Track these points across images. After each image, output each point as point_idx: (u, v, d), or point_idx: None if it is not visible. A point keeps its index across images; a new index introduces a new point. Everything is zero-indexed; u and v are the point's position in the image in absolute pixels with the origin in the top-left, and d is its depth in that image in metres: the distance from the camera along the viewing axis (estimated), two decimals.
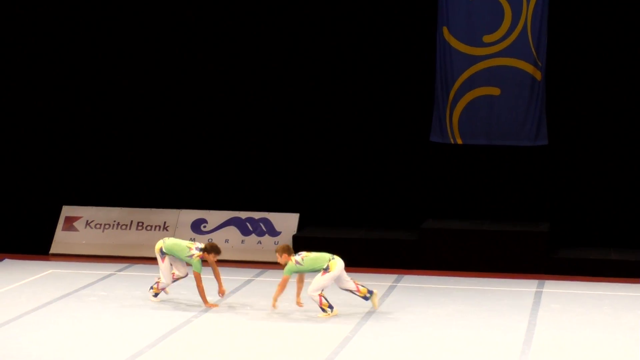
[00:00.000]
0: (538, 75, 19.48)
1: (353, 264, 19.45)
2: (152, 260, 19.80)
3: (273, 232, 20.63)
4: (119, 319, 15.30)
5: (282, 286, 15.59)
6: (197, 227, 20.82)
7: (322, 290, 15.65)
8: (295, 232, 20.41)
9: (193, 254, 15.87)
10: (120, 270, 18.98)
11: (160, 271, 16.34)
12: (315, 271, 15.66)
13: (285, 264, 15.67)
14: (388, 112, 20.62)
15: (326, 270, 15.58)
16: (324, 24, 20.64)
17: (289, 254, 15.70)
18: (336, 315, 15.48)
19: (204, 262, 15.97)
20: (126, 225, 20.93)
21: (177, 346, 13.89)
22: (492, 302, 16.88)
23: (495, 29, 19.49)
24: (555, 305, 16.71)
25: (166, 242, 16.19)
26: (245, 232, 20.65)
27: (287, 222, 20.66)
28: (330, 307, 15.60)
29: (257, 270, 19.21)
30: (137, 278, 18.34)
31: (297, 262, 15.61)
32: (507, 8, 19.45)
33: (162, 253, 16.17)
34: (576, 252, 19.68)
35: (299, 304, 15.83)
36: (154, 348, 13.83)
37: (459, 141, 19.83)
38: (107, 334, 14.53)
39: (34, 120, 21.38)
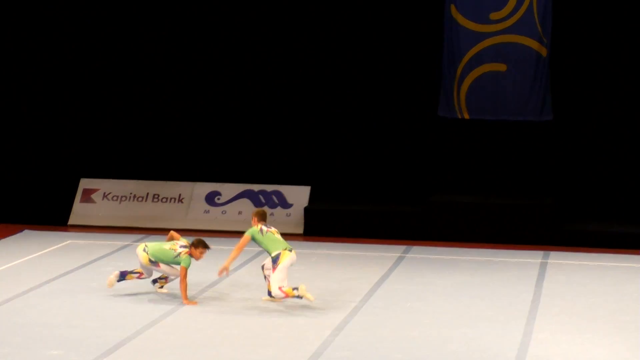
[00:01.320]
0: (543, 52, 19.47)
1: (363, 235, 19.52)
2: (167, 231, 19.80)
3: (285, 205, 20.59)
4: (135, 289, 15.25)
5: (240, 248, 14.56)
6: (211, 199, 20.79)
7: (282, 282, 14.29)
8: (306, 205, 20.37)
9: (179, 252, 14.60)
10: (136, 241, 18.92)
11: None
12: (267, 252, 14.54)
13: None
14: (397, 87, 20.57)
15: (275, 262, 14.30)
16: (335, 0, 20.55)
17: (259, 220, 14.71)
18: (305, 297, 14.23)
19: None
20: (142, 198, 20.90)
21: (188, 316, 13.87)
22: (498, 273, 16.85)
23: (501, 7, 19.48)
24: (560, 276, 16.68)
25: (150, 250, 14.78)
26: (258, 204, 20.60)
27: (298, 195, 20.62)
28: (295, 288, 14.24)
29: None
30: None
31: (260, 230, 14.57)
32: None
33: (153, 262, 14.80)
34: (580, 225, 19.67)
35: (226, 270, 14.53)
36: (170, 317, 13.81)
37: (466, 116, 19.85)
38: (122, 304, 14.52)
39: (53, 96, 21.33)
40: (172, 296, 14.81)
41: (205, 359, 12.15)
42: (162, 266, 14.76)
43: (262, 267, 14.80)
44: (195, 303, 14.60)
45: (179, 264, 14.54)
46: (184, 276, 14.48)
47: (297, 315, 14.13)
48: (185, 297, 14.54)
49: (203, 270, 15.86)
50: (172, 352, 12.33)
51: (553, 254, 18.32)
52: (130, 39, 21.11)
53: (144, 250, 14.78)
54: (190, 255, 14.59)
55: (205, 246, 14.68)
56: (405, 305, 14.73)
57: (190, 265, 14.52)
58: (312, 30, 20.69)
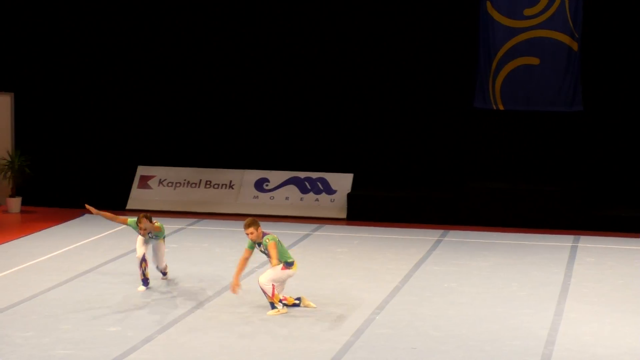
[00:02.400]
0: (574, 46, 19.40)
1: (402, 220, 19.51)
2: (219, 215, 19.96)
3: (329, 191, 20.59)
4: (191, 267, 15.32)
5: (277, 254, 13.13)
6: (259, 185, 20.83)
7: (275, 282, 13.20)
8: (349, 191, 20.36)
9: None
10: (189, 225, 19.03)
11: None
12: (281, 259, 13.19)
13: (259, 237, 13.18)
14: (435, 80, 20.52)
15: (288, 266, 13.21)
16: None
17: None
18: (284, 314, 13.11)
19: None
20: (195, 184, 20.98)
21: (238, 296, 13.94)
22: (531, 256, 16.79)
23: (535, 3, 19.45)
24: (589, 259, 16.59)
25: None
26: (304, 190, 20.64)
27: (342, 182, 20.62)
28: (281, 302, 13.19)
29: (314, 225, 19.21)
30: (205, 232, 18.39)
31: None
32: None
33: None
34: (609, 210, 19.54)
35: (238, 285, 13.14)
36: (220, 297, 13.87)
37: (501, 107, 19.82)
38: (176, 283, 14.59)
39: (113, 90, 21.44)
40: (225, 277, 14.86)
41: (255, 335, 12.20)
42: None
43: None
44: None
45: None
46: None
47: (340, 295, 14.14)
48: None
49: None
50: (223, 328, 12.38)
51: (583, 237, 18.22)
52: (183, 33, 21.17)
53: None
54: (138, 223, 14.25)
55: (146, 218, 14.26)
56: (442, 286, 14.72)
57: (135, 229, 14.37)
58: (358, 25, 20.66)
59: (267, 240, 13.11)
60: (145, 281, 14.23)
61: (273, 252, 13.04)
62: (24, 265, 15.60)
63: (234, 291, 13.06)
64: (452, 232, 18.63)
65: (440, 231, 18.68)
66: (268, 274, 13.17)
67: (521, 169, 20.38)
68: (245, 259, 13.23)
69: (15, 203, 20.30)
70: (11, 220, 19.70)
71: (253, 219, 13.29)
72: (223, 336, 12.15)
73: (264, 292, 13.16)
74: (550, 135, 20.29)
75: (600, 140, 20.16)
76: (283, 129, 21.11)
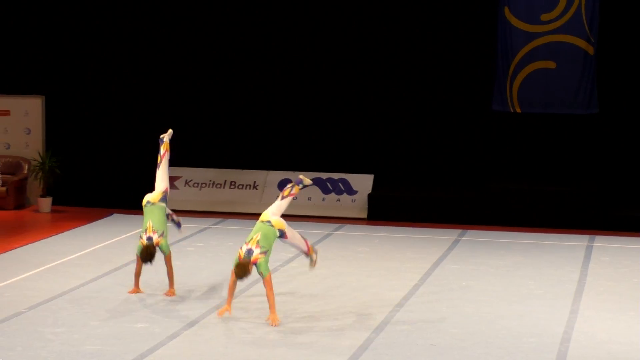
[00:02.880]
0: (590, 50, 19.35)
1: (422, 219, 19.49)
2: (243, 215, 19.99)
3: (350, 191, 20.60)
4: (216, 265, 15.36)
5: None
6: (283, 186, 20.63)
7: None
8: (370, 191, 20.36)
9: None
10: (215, 224, 19.08)
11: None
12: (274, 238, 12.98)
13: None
14: (454, 84, 20.49)
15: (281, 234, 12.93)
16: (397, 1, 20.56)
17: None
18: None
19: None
20: (220, 184, 21.02)
21: (263, 290, 13.96)
22: (547, 255, 16.77)
23: (552, 8, 19.40)
24: (604, 258, 16.55)
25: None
26: (325, 190, 20.65)
27: (363, 182, 20.62)
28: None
29: (336, 225, 19.23)
30: (230, 231, 18.42)
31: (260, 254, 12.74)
32: None
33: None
34: (624, 210, 19.48)
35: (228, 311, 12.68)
36: (244, 293, 13.90)
37: (518, 110, 19.79)
38: (204, 281, 14.63)
39: (141, 93, 21.49)
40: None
41: (278, 331, 12.22)
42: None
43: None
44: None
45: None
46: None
47: (361, 292, 14.16)
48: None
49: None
50: (248, 323, 12.41)
51: (598, 237, 18.17)
52: (208, 37, 21.19)
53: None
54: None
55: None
56: (461, 284, 14.71)
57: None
58: (381, 28, 20.62)
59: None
60: None
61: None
62: (54, 263, 15.67)
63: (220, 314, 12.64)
64: (470, 232, 18.61)
65: (459, 231, 18.66)
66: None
67: (538, 170, 20.33)
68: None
69: (46, 203, 20.39)
70: (42, 219, 19.79)
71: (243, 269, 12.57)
72: (248, 331, 12.17)
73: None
74: (566, 137, 20.24)
75: (616, 141, 20.10)
76: (306, 131, 21.12)
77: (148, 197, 14.55)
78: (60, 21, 21.54)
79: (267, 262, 12.60)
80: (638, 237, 18.36)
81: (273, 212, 13.06)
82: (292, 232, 13.04)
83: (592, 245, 17.49)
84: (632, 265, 16.08)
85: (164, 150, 15.02)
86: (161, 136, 15.16)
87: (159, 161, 14.98)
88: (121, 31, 21.41)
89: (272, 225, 12.86)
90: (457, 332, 12.34)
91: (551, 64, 19.58)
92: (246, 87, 21.24)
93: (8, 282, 14.49)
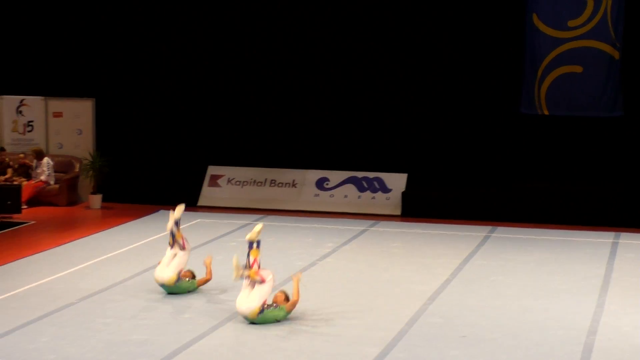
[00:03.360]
0: (616, 55, 19.28)
1: (452, 217, 19.44)
2: (282, 212, 20.00)
3: (385, 189, 20.56)
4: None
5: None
6: (320, 184, 20.85)
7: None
8: (404, 189, 20.33)
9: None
10: (255, 221, 19.08)
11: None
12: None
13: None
14: (484, 87, 20.42)
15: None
16: (429, 5, 20.49)
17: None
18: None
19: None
20: (261, 182, 21.04)
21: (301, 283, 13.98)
22: (574, 251, 16.66)
23: (578, 15, 19.34)
24: (629, 255, 16.43)
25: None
26: (361, 189, 20.63)
27: (397, 181, 20.58)
28: None
29: (370, 222, 19.20)
30: (270, 227, 18.41)
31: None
32: None
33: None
34: None
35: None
36: (284, 286, 13.92)
37: (546, 112, 19.76)
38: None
39: (185, 96, 21.58)
40: (288, 269, 14.90)
41: (315, 323, 12.21)
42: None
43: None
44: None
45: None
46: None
47: (395, 286, 14.13)
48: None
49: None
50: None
51: (623, 234, 18.03)
52: (248, 40, 21.24)
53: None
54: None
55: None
56: (489, 279, 14.65)
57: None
58: (416, 34, 20.59)
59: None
60: None
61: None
62: (104, 257, 15.76)
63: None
64: (499, 229, 18.52)
65: (489, 228, 18.58)
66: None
67: (564, 169, 20.23)
68: None
69: (96, 200, 20.50)
70: (92, 215, 19.90)
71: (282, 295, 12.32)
72: (285, 323, 12.17)
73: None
74: (591, 139, 20.12)
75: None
76: (343, 132, 21.11)
77: (162, 280, 13.46)
78: (110, 29, 21.66)
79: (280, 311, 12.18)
80: None
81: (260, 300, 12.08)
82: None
83: (618, 242, 17.36)
84: None
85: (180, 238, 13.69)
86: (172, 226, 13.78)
87: (180, 244, 13.67)
88: (165, 38, 21.50)
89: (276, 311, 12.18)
90: (486, 324, 12.29)
91: (577, 69, 19.50)
92: (287, 90, 21.27)
93: (60, 274, 14.59)
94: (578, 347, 11.41)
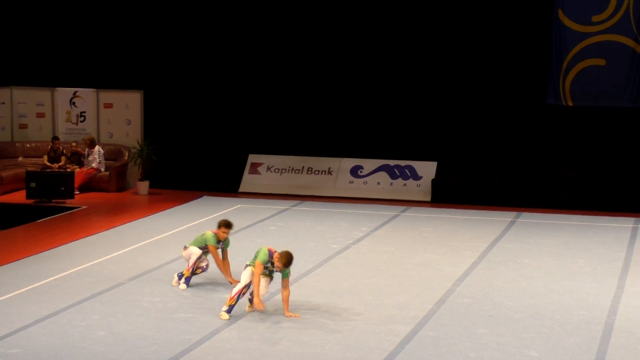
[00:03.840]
0: (638, 49, 19.20)
1: (480, 202, 19.38)
2: (319, 198, 20.03)
3: (416, 177, 20.53)
4: (294, 243, 15.43)
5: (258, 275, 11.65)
6: (355, 172, 20.86)
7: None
8: (433, 177, 20.30)
9: (204, 232, 12.95)
10: (294, 206, 19.15)
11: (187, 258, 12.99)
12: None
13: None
14: (511, 80, 20.33)
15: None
16: (462, 2, 20.45)
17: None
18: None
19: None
20: (298, 170, 21.07)
21: (336, 266, 13.99)
22: (596, 235, 16.59)
23: (602, 10, 19.23)
24: None
25: (190, 244, 13.00)
26: (393, 176, 20.61)
27: (427, 169, 20.54)
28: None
29: (402, 207, 19.20)
30: (307, 212, 18.49)
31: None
32: None
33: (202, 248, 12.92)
34: None
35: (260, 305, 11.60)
36: (321, 267, 13.95)
37: (570, 103, 19.66)
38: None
39: (228, 88, 21.63)
40: (324, 252, 14.91)
41: (350, 302, 12.26)
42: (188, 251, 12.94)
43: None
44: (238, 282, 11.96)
45: (206, 244, 12.75)
46: (214, 254, 12.72)
47: (425, 268, 14.14)
48: (228, 276, 12.74)
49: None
50: (323, 293, 12.46)
51: None
52: (287, 38, 21.27)
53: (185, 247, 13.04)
54: (215, 234, 12.78)
55: (227, 225, 12.81)
56: (516, 261, 14.62)
57: (215, 244, 12.73)
58: (446, 32, 20.55)
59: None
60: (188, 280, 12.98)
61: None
62: (151, 240, 15.86)
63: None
64: (525, 214, 18.46)
65: (515, 213, 18.52)
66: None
67: (587, 158, 20.10)
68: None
69: (143, 186, 20.62)
70: (140, 201, 20.03)
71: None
72: (324, 301, 12.21)
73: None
74: (614, 129, 19.99)
75: None
76: (376, 122, 21.09)
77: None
78: (156, 26, 21.75)
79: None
80: None
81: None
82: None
83: (638, 227, 17.25)
84: None
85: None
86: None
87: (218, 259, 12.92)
88: (208, 34, 21.56)
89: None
90: (512, 305, 12.28)
91: (601, 62, 19.38)
92: (324, 83, 21.26)
93: (110, 256, 14.71)
94: (599, 327, 11.39)
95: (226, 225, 12.86)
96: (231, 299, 11.60)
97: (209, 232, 12.86)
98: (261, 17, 21.36)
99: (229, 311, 11.59)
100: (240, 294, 11.63)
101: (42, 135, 21.81)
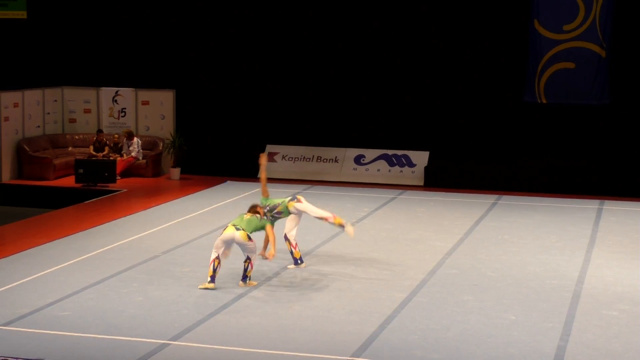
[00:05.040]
0: (603, 53, 19.12)
1: (467, 186, 19.35)
2: (327, 183, 19.97)
3: (411, 164, 20.49)
4: (305, 221, 15.44)
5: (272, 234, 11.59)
6: (358, 160, 20.84)
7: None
8: (426, 164, 20.26)
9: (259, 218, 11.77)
10: (304, 190, 19.16)
11: (251, 252, 11.59)
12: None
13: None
14: (492, 79, 20.28)
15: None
16: (451, 11, 20.37)
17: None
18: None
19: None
20: (309, 158, 21.05)
21: (328, 252, 14.00)
22: (565, 215, 16.56)
23: (572, 20, 19.20)
24: (612, 218, 16.31)
25: (243, 226, 11.55)
26: (391, 164, 20.58)
27: (420, 158, 20.49)
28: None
29: (399, 191, 19.19)
30: (316, 195, 18.47)
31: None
32: (582, 5, 19.13)
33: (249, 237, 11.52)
34: (629, 179, 19.05)
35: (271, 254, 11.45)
36: (328, 243, 13.96)
37: (544, 101, 19.62)
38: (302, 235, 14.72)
39: (248, 87, 21.61)
40: (332, 231, 14.92)
41: (354, 272, 12.26)
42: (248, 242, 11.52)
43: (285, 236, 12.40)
44: (268, 257, 11.53)
45: (263, 227, 11.67)
46: (271, 232, 11.63)
47: (418, 243, 14.14)
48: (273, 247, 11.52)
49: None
50: (333, 267, 12.47)
51: (607, 202, 17.88)
52: (298, 33, 21.23)
53: (237, 229, 11.47)
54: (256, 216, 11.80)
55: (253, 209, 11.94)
56: (497, 237, 14.62)
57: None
58: (441, 36, 20.50)
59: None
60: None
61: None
62: (182, 219, 15.88)
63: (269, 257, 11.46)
64: (505, 197, 18.43)
65: (496, 196, 18.50)
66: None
67: (559, 148, 20.06)
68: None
69: (175, 172, 20.64)
70: (173, 185, 20.05)
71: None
72: (330, 271, 12.22)
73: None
74: (582, 123, 19.93)
75: (624, 126, 19.74)
76: (377, 117, 21.05)
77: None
78: (186, 34, 21.74)
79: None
80: None
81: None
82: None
83: (602, 208, 17.23)
84: (635, 224, 15.79)
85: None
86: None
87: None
88: (230, 38, 21.53)
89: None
90: (494, 275, 12.28)
91: (571, 65, 19.33)
92: (330, 82, 21.21)
93: (147, 232, 14.75)
94: (568, 294, 11.38)
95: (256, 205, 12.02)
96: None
97: (251, 217, 11.62)
98: (276, 23, 21.30)
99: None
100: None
101: (88, 128, 21.84)
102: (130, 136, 20.91)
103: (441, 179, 19.87)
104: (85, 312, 10.47)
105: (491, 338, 9.74)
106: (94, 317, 10.28)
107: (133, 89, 21.82)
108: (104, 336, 9.66)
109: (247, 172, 20.79)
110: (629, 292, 11.51)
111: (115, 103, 21.92)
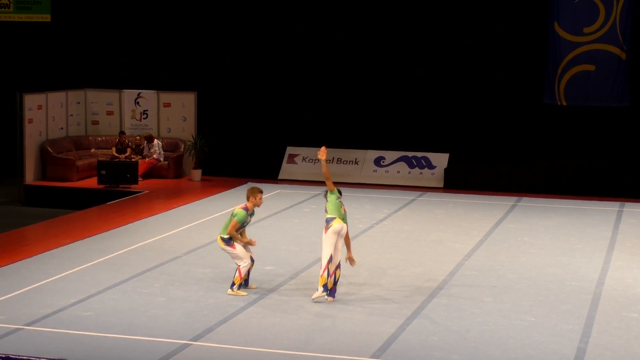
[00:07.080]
0: (623, 56, 19.04)
1: (486, 188, 19.31)
2: (347, 184, 19.99)
3: (430, 166, 20.47)
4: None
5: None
6: (378, 162, 20.83)
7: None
8: (446, 167, 20.23)
9: (233, 209, 11.31)
10: (324, 192, 19.10)
11: (236, 258, 11.25)
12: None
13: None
14: (512, 82, 20.25)
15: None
16: (473, 14, 20.32)
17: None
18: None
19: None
20: (330, 160, 21.05)
21: (362, 241, 14.00)
22: (586, 217, 16.49)
23: (592, 23, 19.11)
24: (632, 220, 16.21)
25: (220, 232, 11.24)
26: (411, 165, 20.56)
27: (440, 160, 20.47)
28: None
29: (419, 192, 19.17)
30: None
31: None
32: (602, 7, 19.04)
33: (228, 241, 11.19)
34: None
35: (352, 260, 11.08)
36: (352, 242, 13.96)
37: (564, 103, 19.54)
38: (317, 232, 14.72)
39: (269, 90, 21.65)
40: (356, 218, 14.92)
41: (374, 274, 12.25)
42: (238, 247, 11.18)
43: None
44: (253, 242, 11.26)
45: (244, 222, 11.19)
46: (232, 227, 11.03)
47: (438, 245, 14.11)
48: (240, 239, 11.12)
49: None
50: (349, 269, 12.49)
51: (627, 204, 17.78)
52: (320, 36, 21.24)
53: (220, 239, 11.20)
54: (246, 208, 11.20)
55: (259, 190, 11.38)
56: (516, 239, 14.57)
57: (245, 219, 11.26)
58: (464, 38, 20.46)
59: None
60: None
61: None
62: (204, 219, 15.93)
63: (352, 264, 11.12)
64: (524, 199, 18.37)
65: (516, 197, 18.44)
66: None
67: (579, 149, 19.97)
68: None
69: (197, 174, 20.70)
70: (194, 186, 20.10)
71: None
72: (351, 273, 12.22)
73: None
74: (602, 125, 19.84)
75: None
76: (397, 120, 21.04)
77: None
78: (207, 38, 21.81)
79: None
80: None
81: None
82: None
83: (622, 210, 17.13)
84: None
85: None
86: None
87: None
88: (250, 43, 21.58)
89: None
90: (513, 276, 12.23)
91: (591, 67, 19.24)
92: (351, 85, 21.23)
93: (169, 233, 14.80)
94: (588, 296, 11.32)
95: (260, 190, 11.34)
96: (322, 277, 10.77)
97: (239, 208, 11.16)
98: (300, 28, 21.32)
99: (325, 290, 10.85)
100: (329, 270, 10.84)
101: (111, 130, 21.94)
102: (150, 139, 20.99)
103: (461, 180, 19.83)
104: (108, 312, 10.52)
105: (510, 339, 9.70)
106: (116, 318, 10.32)
107: (155, 91, 21.90)
108: (126, 336, 9.70)
109: (268, 174, 20.81)
110: None
111: (137, 105, 22.02)
